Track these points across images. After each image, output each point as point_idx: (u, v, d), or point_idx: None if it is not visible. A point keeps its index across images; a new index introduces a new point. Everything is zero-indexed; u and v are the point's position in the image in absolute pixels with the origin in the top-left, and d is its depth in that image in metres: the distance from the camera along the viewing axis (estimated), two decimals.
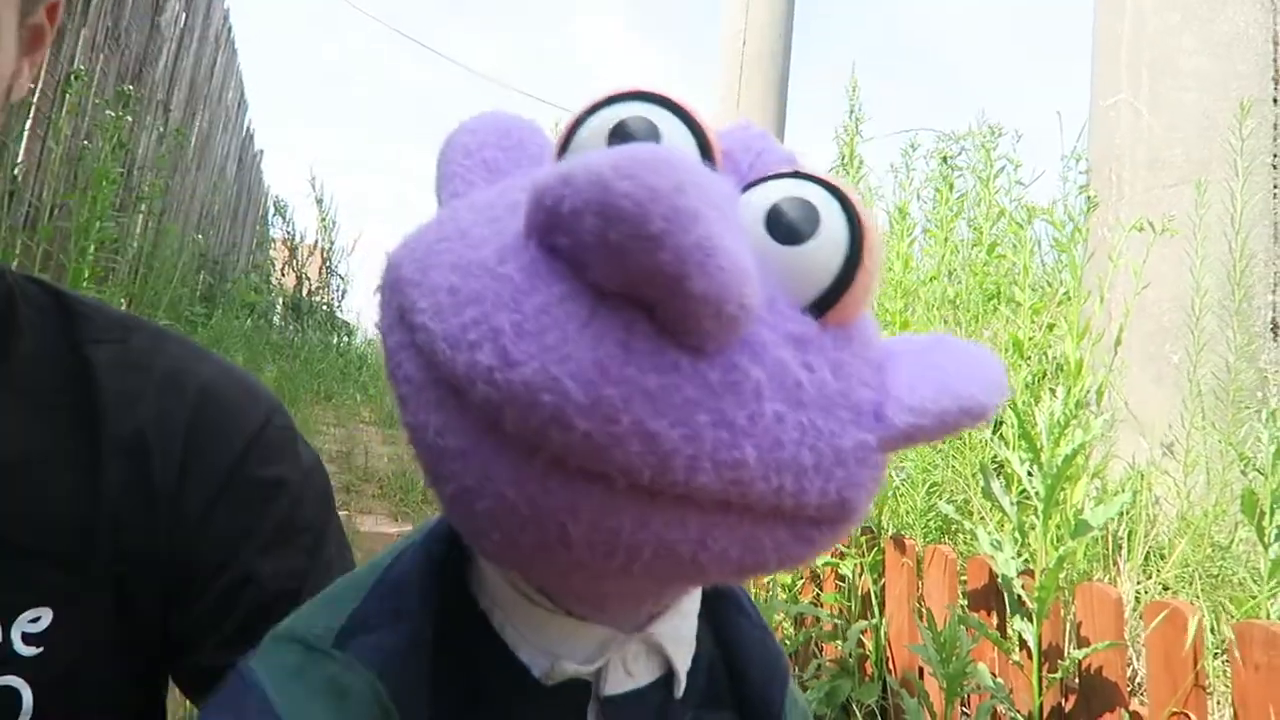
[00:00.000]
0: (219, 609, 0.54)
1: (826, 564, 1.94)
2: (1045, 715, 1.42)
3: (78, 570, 0.51)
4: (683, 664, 0.34)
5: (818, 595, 2.01)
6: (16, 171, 2.70)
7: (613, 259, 0.20)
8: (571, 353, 0.20)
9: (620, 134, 0.26)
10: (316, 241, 8.10)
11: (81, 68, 3.07)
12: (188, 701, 0.60)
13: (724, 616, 0.37)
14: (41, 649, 0.49)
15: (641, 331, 0.21)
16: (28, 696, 0.48)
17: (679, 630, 0.34)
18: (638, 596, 0.30)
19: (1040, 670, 1.40)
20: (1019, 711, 1.42)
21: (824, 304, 0.25)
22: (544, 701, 0.31)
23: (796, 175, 0.26)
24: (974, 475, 1.92)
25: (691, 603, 0.35)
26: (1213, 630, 1.45)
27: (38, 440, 0.52)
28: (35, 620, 0.49)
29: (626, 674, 0.32)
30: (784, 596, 1.99)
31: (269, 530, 0.56)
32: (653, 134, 0.26)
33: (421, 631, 0.31)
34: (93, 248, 2.76)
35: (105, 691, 0.52)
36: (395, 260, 0.26)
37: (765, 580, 1.86)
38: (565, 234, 0.21)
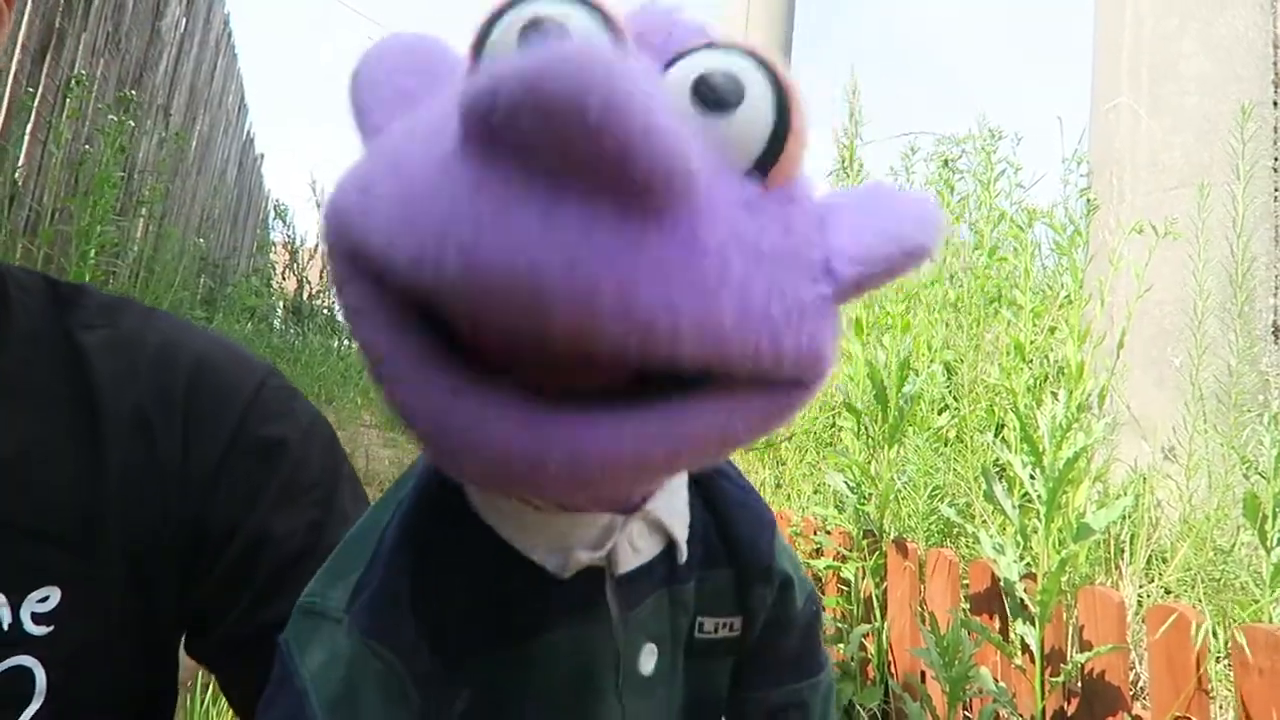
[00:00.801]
0: (237, 574, 0.55)
1: (828, 568, 1.93)
2: (1049, 719, 1.42)
3: (86, 550, 0.51)
4: (681, 534, 0.37)
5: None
6: (17, 175, 2.70)
7: (556, 152, 0.20)
8: (538, 244, 0.20)
9: (531, 30, 0.26)
10: (317, 245, 8.09)
11: (82, 72, 3.07)
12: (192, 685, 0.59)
13: (709, 483, 0.40)
14: (52, 627, 0.49)
15: (602, 207, 0.21)
16: (41, 676, 0.49)
17: (673, 504, 0.37)
18: (629, 489, 0.31)
19: (1043, 674, 1.40)
20: (1021, 715, 1.42)
21: (762, 168, 0.25)
22: (566, 592, 0.33)
23: (711, 47, 0.27)
24: (976, 478, 1.92)
25: (679, 478, 0.38)
26: (1215, 634, 1.45)
27: (37, 425, 0.52)
28: (44, 600, 0.49)
29: (634, 550, 0.35)
30: None
31: (276, 489, 0.57)
32: (562, 27, 0.26)
33: (399, 578, 0.32)
34: (93, 252, 2.76)
35: (119, 669, 0.53)
36: (333, 208, 0.25)
37: None
38: (504, 136, 0.21)
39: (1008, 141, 2.81)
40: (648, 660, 0.36)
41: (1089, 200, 1.97)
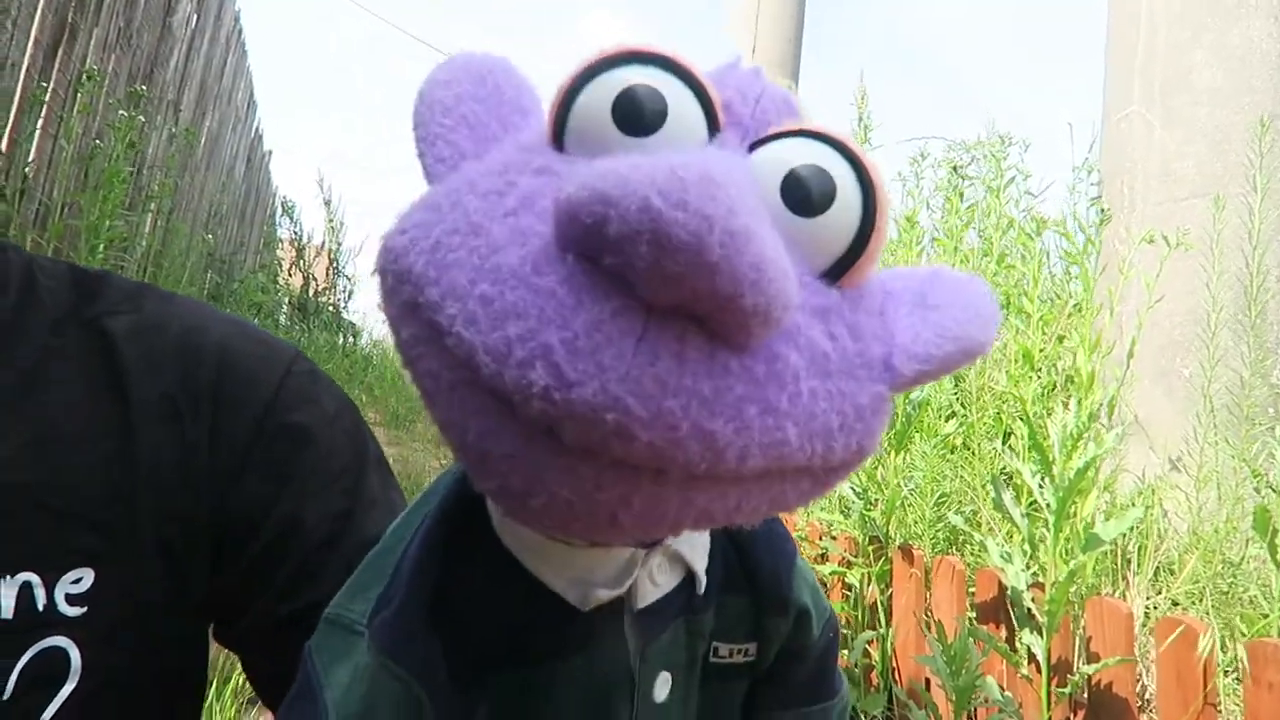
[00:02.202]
0: (266, 562, 0.55)
1: (833, 573, 1.93)
2: None
3: (118, 533, 0.52)
4: (701, 565, 0.37)
5: None
6: (28, 170, 2.70)
7: (668, 284, 0.20)
8: (630, 370, 0.21)
9: (627, 108, 0.25)
10: (324, 242, 8.12)
11: (94, 68, 3.07)
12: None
13: None
14: (86, 609, 0.50)
15: (693, 341, 0.21)
16: (76, 656, 0.49)
17: (693, 536, 0.37)
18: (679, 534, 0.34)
19: (1049, 685, 1.40)
20: None
21: (839, 269, 0.26)
22: (584, 624, 0.33)
23: (800, 135, 0.26)
24: (983, 486, 1.91)
25: None
26: (1224, 648, 1.45)
27: (69, 410, 0.52)
28: (77, 581, 0.50)
29: (653, 585, 0.35)
30: None
31: (303, 478, 0.57)
32: (660, 104, 0.25)
33: (418, 599, 0.33)
34: (102, 246, 2.76)
35: (152, 651, 0.53)
36: (397, 249, 0.25)
37: None
38: (612, 255, 0.20)
39: (1017, 148, 2.80)
40: (662, 688, 0.37)
41: (1101, 209, 1.97)
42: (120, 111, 3.04)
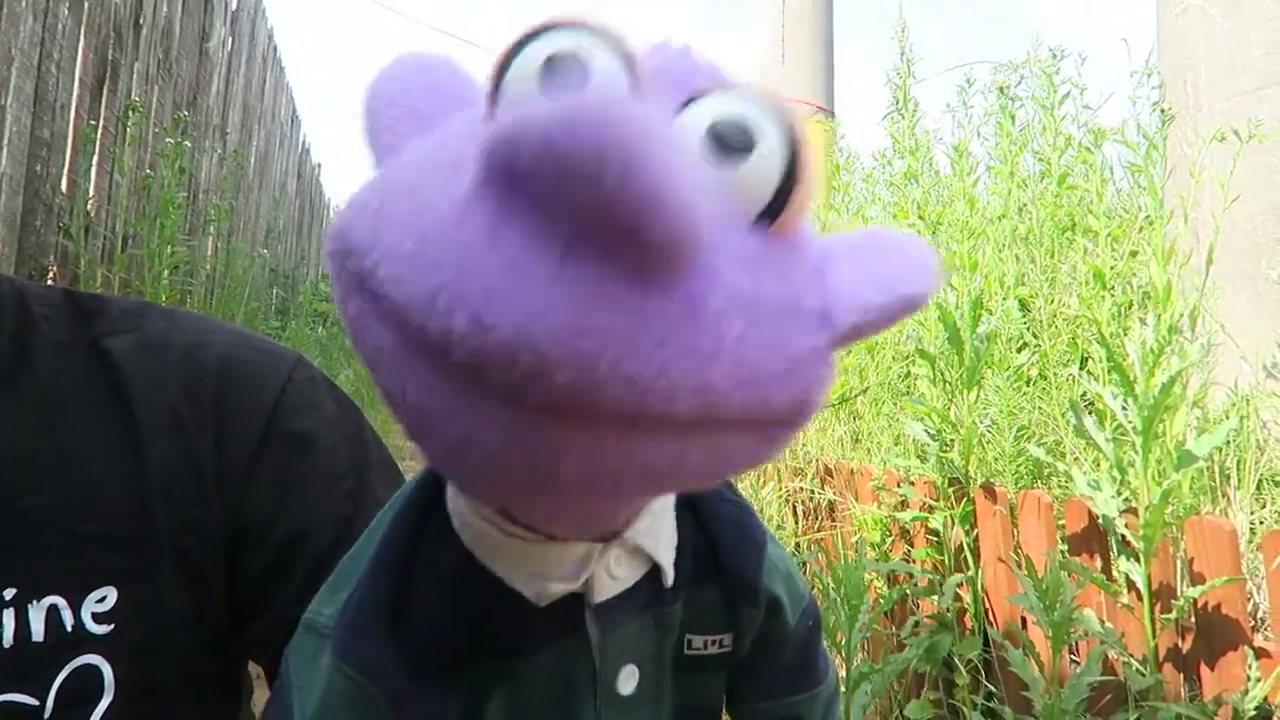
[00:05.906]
0: (279, 567, 0.56)
1: (915, 519, 1.89)
2: (1162, 657, 1.36)
3: (137, 547, 0.53)
4: (666, 556, 0.37)
5: (908, 551, 1.97)
6: (89, 206, 2.80)
7: (571, 211, 0.20)
8: (543, 310, 0.21)
9: (550, 70, 0.26)
10: None
11: (137, 100, 3.16)
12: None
13: (703, 502, 0.41)
14: (113, 625, 0.51)
15: (610, 269, 0.21)
16: (109, 672, 0.51)
17: (655, 528, 0.37)
18: (616, 512, 0.33)
19: (1152, 611, 1.34)
20: (1133, 655, 1.36)
21: (767, 217, 0.26)
22: (543, 619, 0.34)
23: (725, 91, 0.27)
24: (1063, 415, 1.84)
25: (664, 501, 0.38)
26: None
27: (77, 431, 0.54)
28: (102, 600, 0.51)
29: (611, 578, 0.36)
30: (873, 555, 1.95)
31: (309, 483, 0.58)
32: (583, 66, 0.26)
33: (375, 602, 0.34)
34: (166, 272, 2.85)
35: (183, 662, 0.54)
36: (343, 226, 0.26)
37: (853, 540, 1.82)
38: (521, 188, 0.21)
39: (1070, 61, 2.66)
40: (627, 682, 0.37)
41: (1163, 111, 1.86)
42: (168, 139, 3.12)
